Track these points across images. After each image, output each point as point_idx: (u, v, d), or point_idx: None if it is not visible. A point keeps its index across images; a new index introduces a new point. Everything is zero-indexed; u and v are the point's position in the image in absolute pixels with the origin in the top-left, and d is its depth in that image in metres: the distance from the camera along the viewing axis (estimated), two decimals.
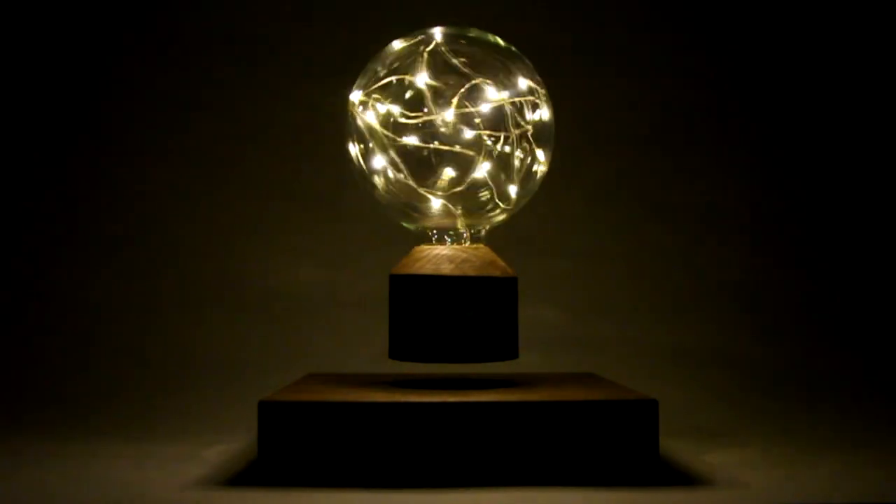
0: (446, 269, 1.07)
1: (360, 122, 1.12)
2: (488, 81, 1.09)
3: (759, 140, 1.71)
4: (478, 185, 1.09)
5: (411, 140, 1.08)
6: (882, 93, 1.71)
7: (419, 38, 1.12)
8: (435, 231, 1.13)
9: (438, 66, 1.09)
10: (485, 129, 1.08)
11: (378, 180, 1.12)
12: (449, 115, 1.08)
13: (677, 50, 1.72)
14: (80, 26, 1.70)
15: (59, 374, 1.53)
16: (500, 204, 1.12)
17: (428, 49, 1.10)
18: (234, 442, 1.19)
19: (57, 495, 0.96)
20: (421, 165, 1.09)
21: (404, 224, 1.15)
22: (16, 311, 1.61)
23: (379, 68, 1.12)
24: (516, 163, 1.11)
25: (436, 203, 1.10)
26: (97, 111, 1.69)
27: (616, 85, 1.71)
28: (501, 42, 1.14)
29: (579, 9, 1.72)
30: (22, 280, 1.64)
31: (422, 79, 1.08)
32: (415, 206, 1.11)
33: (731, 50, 1.72)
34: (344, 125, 1.14)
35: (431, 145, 1.08)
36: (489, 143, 1.09)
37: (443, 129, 1.08)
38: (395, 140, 1.09)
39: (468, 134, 1.08)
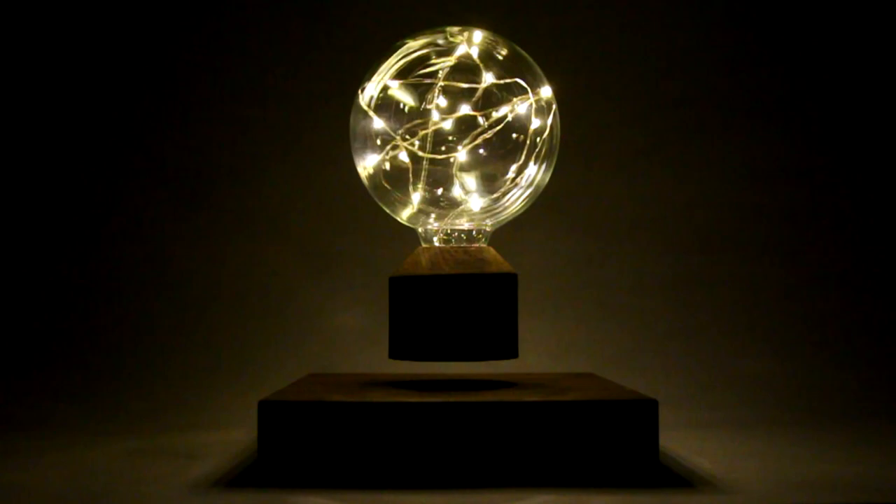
0: (445, 268, 1.07)
1: (366, 124, 1.12)
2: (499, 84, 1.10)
3: (759, 142, 1.71)
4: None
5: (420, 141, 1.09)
6: None
7: (429, 39, 1.12)
8: (435, 231, 1.13)
9: (460, 67, 1.10)
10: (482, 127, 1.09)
11: (377, 182, 1.12)
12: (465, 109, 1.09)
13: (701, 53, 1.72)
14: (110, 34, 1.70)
15: (58, 374, 1.53)
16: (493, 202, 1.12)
17: (447, 52, 1.11)
18: (234, 442, 1.19)
19: (56, 495, 0.96)
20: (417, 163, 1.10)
21: (405, 223, 1.14)
22: (16, 310, 1.61)
23: (390, 68, 1.12)
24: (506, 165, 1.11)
25: (427, 204, 1.11)
26: (101, 109, 1.70)
27: (623, 85, 1.71)
28: (508, 48, 1.14)
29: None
30: (24, 278, 1.64)
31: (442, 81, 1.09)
32: (413, 207, 1.12)
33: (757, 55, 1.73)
34: (349, 127, 1.15)
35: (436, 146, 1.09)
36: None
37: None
38: (405, 139, 1.10)
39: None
